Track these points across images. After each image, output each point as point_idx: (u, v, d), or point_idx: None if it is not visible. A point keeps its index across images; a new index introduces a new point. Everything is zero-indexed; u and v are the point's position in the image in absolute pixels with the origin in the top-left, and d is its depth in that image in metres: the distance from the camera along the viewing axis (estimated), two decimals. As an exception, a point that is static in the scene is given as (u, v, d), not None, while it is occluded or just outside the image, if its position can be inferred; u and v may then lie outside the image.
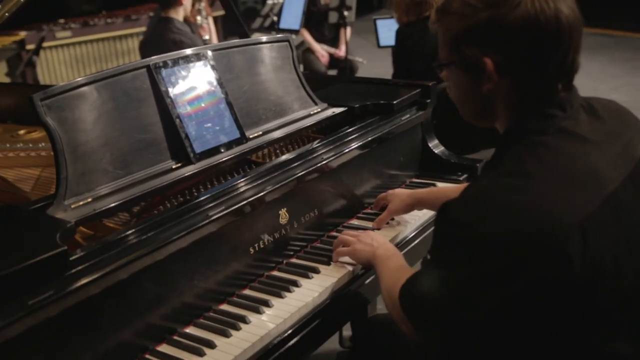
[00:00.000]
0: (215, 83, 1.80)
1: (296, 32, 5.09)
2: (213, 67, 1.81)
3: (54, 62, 6.10)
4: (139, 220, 1.55)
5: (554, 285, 1.07)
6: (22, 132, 2.56)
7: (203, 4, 5.23)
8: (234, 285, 1.58)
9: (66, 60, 6.17)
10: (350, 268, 1.66)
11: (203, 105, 1.75)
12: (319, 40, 5.77)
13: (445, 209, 1.16)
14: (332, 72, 5.93)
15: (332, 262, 1.69)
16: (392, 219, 1.90)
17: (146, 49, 3.97)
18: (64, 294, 1.21)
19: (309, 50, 5.70)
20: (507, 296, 1.08)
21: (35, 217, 1.39)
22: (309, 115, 2.05)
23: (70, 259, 1.25)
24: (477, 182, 1.19)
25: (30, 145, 2.36)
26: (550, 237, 1.05)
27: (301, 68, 5.65)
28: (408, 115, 2.17)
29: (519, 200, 1.08)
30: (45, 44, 5.91)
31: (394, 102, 2.10)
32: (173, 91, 1.69)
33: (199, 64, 1.79)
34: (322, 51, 5.71)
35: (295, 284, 1.60)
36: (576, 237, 1.06)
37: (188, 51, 1.78)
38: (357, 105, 2.12)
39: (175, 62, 1.73)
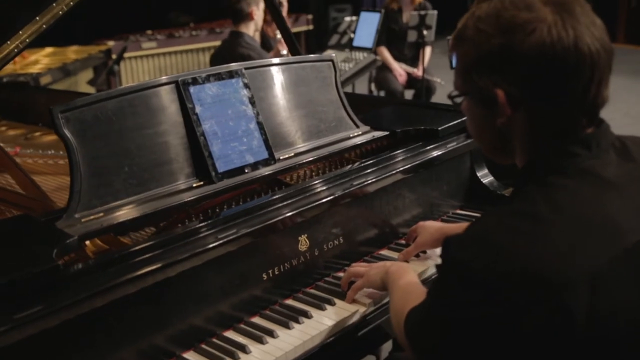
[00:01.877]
0: (246, 101, 1.76)
1: (369, 50, 5.01)
2: (246, 85, 1.78)
3: (138, 71, 6.34)
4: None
5: (550, 339, 0.96)
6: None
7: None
8: (243, 311, 1.53)
9: (150, 70, 6.39)
10: (367, 301, 1.57)
11: (231, 123, 1.71)
12: (398, 59, 5.65)
13: (446, 243, 1.07)
14: (410, 92, 5.82)
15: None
16: (424, 252, 1.80)
17: (216, 63, 4.02)
18: (53, 310, 1.19)
19: (387, 69, 5.60)
20: (497, 340, 1.00)
21: (42, 229, 1.39)
22: (348, 138, 1.98)
23: (63, 274, 1.23)
24: (483, 219, 1.09)
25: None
26: (548, 287, 0.95)
27: (373, 87, 5.62)
28: (454, 143, 2.05)
29: (520, 244, 0.98)
30: (131, 54, 6.14)
31: (439, 128, 2.00)
32: (200, 108, 1.66)
33: (232, 81, 1.76)
34: (400, 70, 5.59)
35: (306, 314, 1.52)
36: (582, 290, 0.95)
37: (221, 68, 1.76)
38: (399, 130, 2.03)
39: (206, 79, 1.71)
